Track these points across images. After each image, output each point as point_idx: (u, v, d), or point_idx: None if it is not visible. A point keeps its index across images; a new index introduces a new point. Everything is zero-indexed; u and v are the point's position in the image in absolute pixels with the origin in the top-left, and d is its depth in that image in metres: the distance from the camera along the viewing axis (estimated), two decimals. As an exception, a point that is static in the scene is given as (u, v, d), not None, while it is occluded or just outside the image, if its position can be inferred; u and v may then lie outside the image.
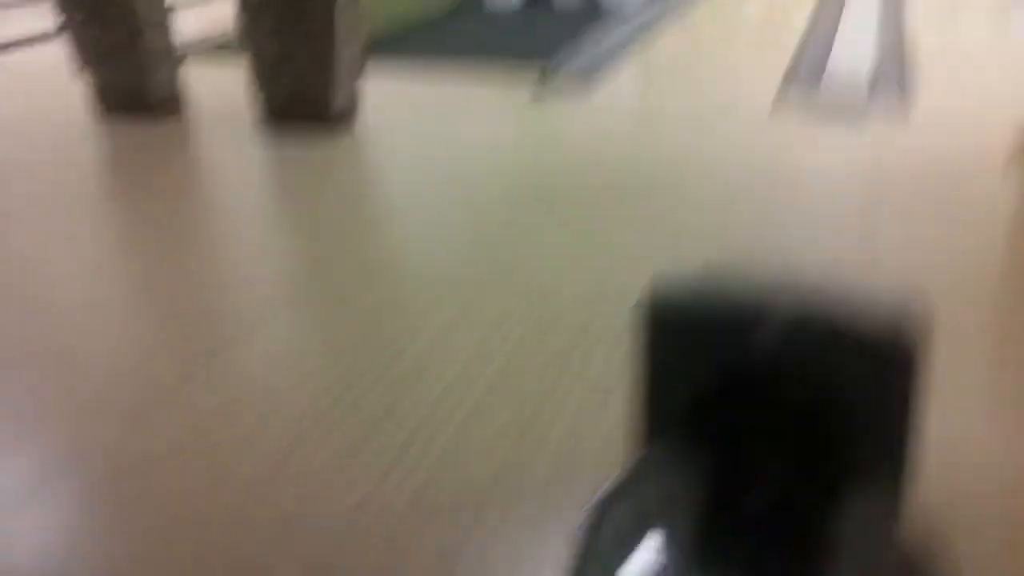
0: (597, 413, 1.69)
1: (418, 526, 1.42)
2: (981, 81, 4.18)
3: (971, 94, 3.92)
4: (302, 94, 3.47)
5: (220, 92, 3.90)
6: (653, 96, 4.39)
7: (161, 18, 3.64)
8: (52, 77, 4.07)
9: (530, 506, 1.47)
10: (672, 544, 0.74)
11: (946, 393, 1.10)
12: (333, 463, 1.59)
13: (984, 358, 1.96)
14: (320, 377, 1.88)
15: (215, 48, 4.66)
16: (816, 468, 0.90)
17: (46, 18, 4.10)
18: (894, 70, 4.24)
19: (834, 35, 4.86)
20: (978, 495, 1.45)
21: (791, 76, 4.28)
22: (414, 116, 3.85)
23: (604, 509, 0.80)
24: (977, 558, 1.20)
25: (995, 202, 2.86)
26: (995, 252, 2.61)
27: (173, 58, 3.71)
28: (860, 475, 0.87)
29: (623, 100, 4.27)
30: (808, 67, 4.39)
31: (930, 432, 0.93)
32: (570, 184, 3.10)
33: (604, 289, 2.22)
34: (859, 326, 0.90)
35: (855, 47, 4.56)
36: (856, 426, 0.86)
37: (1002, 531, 1.38)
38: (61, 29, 3.62)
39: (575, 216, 2.81)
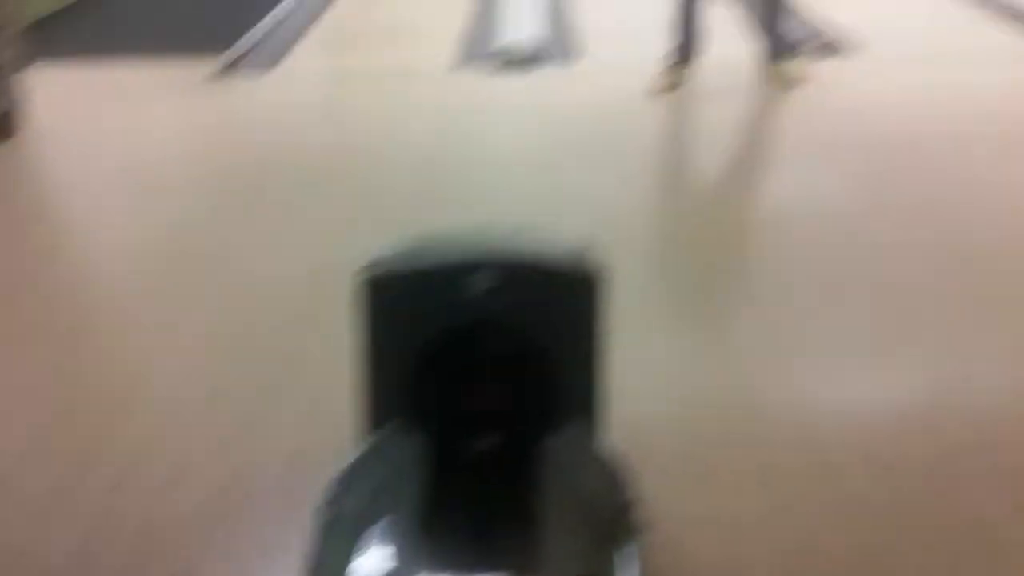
0: (326, 397, 1.66)
1: (148, 549, 1.40)
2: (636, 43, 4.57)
3: (625, 52, 4.26)
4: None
5: None
6: (335, 65, 4.43)
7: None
8: None
9: (269, 502, 1.48)
10: (402, 516, 0.85)
11: (627, 324, 1.26)
12: (50, 498, 1.51)
13: (650, 286, 2.23)
14: (34, 407, 1.79)
15: None
16: (526, 404, 1.05)
17: None
18: (559, 28, 4.55)
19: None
20: (657, 414, 1.68)
21: (468, 37, 4.48)
22: (88, 108, 3.61)
23: (337, 491, 0.89)
24: (657, 467, 1.38)
25: (644, 129, 3.27)
26: (651, 183, 2.97)
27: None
28: (562, 405, 1.03)
29: (307, 72, 4.25)
30: (482, 29, 4.61)
31: (617, 358, 1.09)
32: (263, 163, 3.07)
33: (315, 269, 2.23)
34: (549, 271, 1.06)
35: (525, 9, 4.82)
36: (555, 360, 1.02)
37: (678, 443, 1.61)
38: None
39: (275, 197, 2.80)
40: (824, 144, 3.12)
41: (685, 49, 3.54)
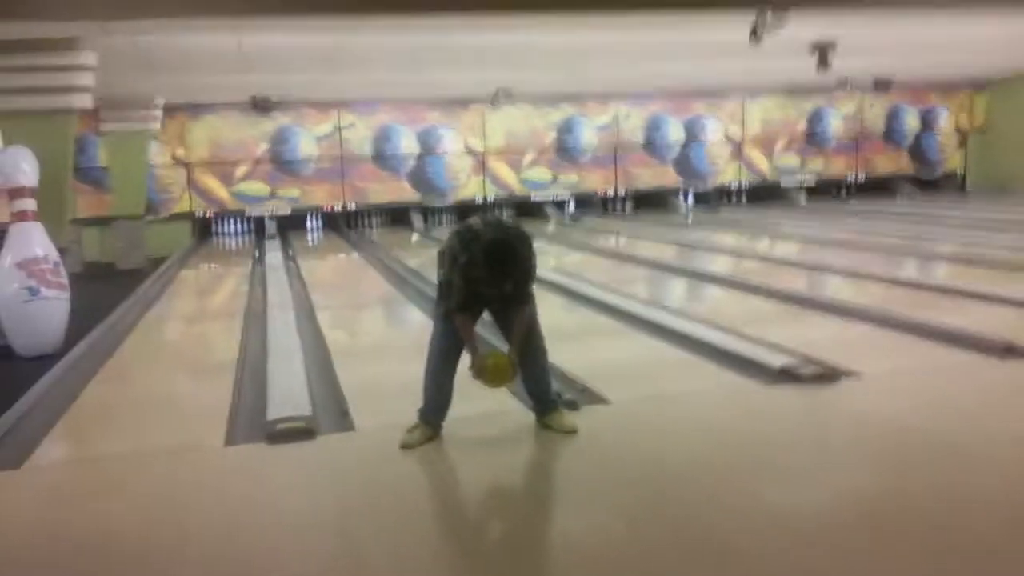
0: None
1: None
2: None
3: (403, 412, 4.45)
4: None
5: None
6: (99, 447, 4.18)
7: None
8: None
9: None
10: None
11: None
12: None
13: None
14: None
15: None
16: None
17: None
18: (328, 392, 4.68)
19: (265, 365, 5.22)
20: None
21: (236, 408, 4.47)
22: None
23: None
24: None
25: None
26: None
27: None
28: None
29: (63, 461, 4.00)
30: (251, 397, 4.63)
31: None
32: (24, 565, 2.78)
33: None
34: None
35: (287, 374, 4.94)
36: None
37: None
38: None
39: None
40: (593, 485, 3.34)
41: (434, 406, 3.81)
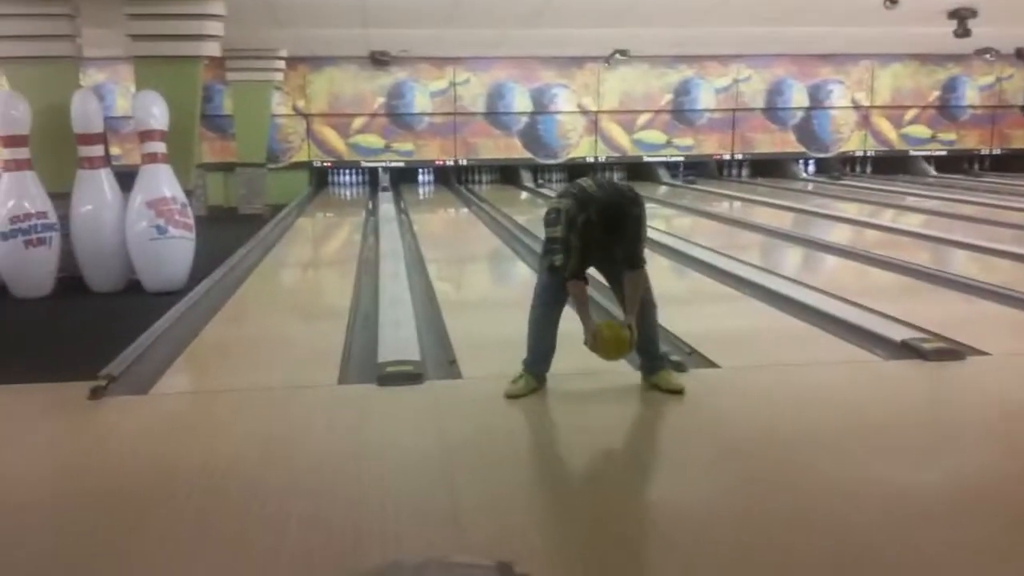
0: None
1: None
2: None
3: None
4: None
5: None
6: (218, 381, 4.37)
7: None
8: None
9: None
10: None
11: None
12: None
13: None
14: None
15: None
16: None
17: None
18: (436, 341, 4.75)
19: (377, 312, 5.32)
20: None
21: (349, 351, 4.59)
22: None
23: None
24: None
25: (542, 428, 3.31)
26: (553, 486, 2.98)
27: None
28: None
29: (183, 394, 4.19)
30: (362, 341, 4.74)
31: None
32: (140, 488, 2.94)
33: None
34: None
35: (398, 321, 5.03)
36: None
37: None
38: None
39: (153, 526, 2.66)
40: (700, 450, 3.29)
41: (537, 356, 3.81)
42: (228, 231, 9.34)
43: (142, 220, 6.09)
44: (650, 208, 3.89)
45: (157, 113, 6.28)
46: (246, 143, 12.59)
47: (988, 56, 14.37)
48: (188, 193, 6.54)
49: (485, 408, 3.69)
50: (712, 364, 4.24)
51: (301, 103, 14.39)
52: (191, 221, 6.34)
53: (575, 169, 14.61)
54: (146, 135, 6.26)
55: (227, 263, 7.03)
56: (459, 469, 3.07)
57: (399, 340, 4.59)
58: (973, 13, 10.23)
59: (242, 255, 7.61)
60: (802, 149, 15.86)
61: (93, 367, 4.03)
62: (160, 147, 6.25)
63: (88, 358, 4.18)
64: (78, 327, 5.36)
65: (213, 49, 7.34)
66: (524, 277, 6.60)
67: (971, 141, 16.29)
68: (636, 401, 3.79)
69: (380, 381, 3.96)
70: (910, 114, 15.99)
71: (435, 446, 3.29)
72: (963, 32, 10.48)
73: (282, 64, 12.62)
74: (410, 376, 3.98)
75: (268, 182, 12.75)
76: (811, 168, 16.14)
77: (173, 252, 6.20)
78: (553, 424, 3.68)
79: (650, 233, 3.96)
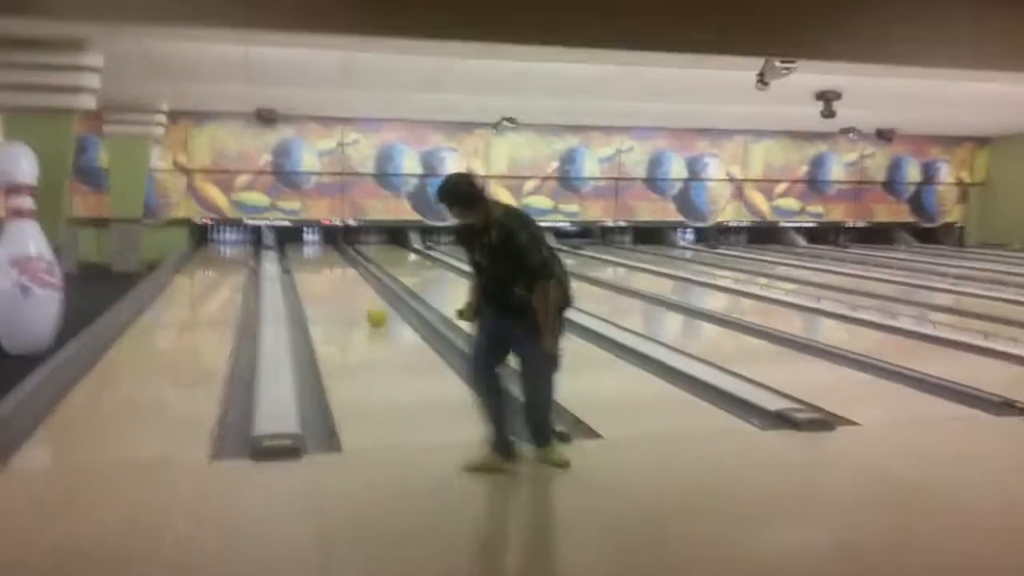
0: None
1: None
2: (396, 426, 4.76)
3: (390, 436, 4.41)
4: None
5: None
6: (81, 454, 4.10)
7: None
8: None
9: None
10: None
11: None
12: None
13: None
14: None
15: None
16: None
17: None
18: (317, 410, 4.61)
19: (254, 378, 5.14)
20: None
21: (223, 419, 4.40)
22: None
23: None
24: None
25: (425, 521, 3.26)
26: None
27: None
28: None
29: (42, 470, 3.92)
30: (238, 409, 4.56)
31: None
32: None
33: None
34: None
35: (276, 389, 4.87)
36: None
37: None
38: None
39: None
40: (585, 526, 3.28)
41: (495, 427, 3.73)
42: (99, 289, 8.92)
43: (5, 279, 5.75)
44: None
45: (25, 167, 5.99)
46: (121, 198, 12.13)
47: (851, 135, 15.33)
48: (57, 249, 6.24)
49: (366, 484, 3.58)
50: (595, 434, 4.26)
51: (182, 158, 14.03)
52: (58, 280, 6.03)
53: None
54: (13, 189, 5.95)
55: (97, 323, 6.70)
56: (337, 553, 2.96)
57: (277, 409, 4.43)
58: (838, 95, 10.93)
59: (113, 315, 7.27)
60: (681, 218, 16.45)
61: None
62: (27, 202, 5.95)
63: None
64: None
65: (88, 102, 7.10)
66: (411, 341, 6.53)
67: (838, 214, 17.24)
68: (525, 476, 3.74)
69: (255, 456, 3.80)
70: (781, 187, 16.82)
71: (312, 528, 3.16)
72: (829, 113, 11.18)
73: (163, 118, 12.29)
74: (287, 450, 3.84)
75: (144, 238, 12.29)
76: (689, 236, 16.73)
77: (37, 312, 5.86)
78: (437, 502, 3.59)
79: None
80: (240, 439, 4.05)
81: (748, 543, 3.11)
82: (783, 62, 7.96)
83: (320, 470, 3.75)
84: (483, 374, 3.76)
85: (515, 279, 3.66)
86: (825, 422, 4.43)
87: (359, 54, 8.52)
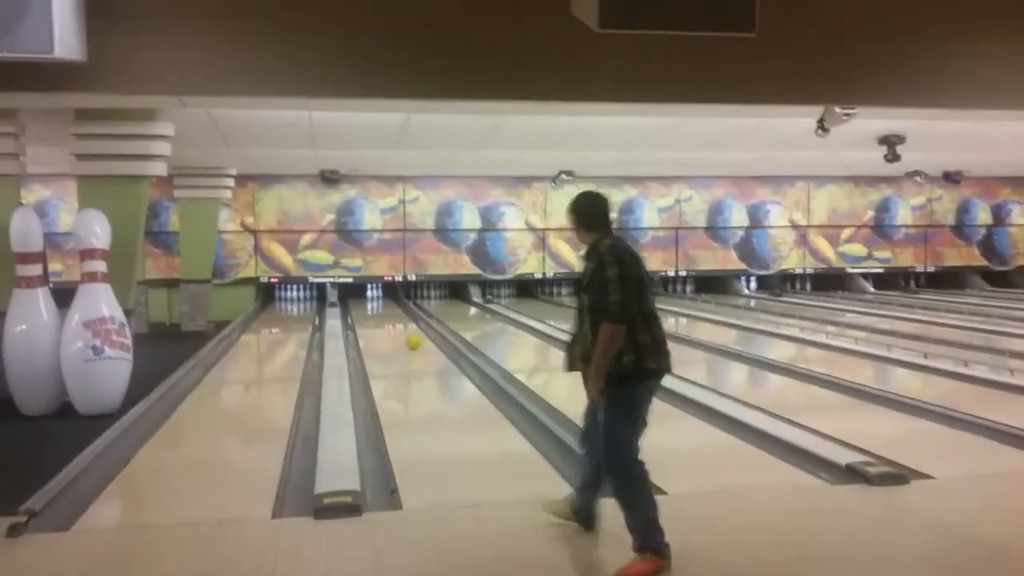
0: None
1: None
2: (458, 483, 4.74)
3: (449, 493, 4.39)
4: None
5: None
6: (147, 514, 4.17)
7: None
8: None
9: None
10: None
11: None
12: None
13: None
14: None
15: None
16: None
17: None
18: (378, 466, 4.62)
19: (317, 435, 5.19)
20: None
21: (286, 478, 4.44)
22: None
23: None
24: None
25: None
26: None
27: None
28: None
29: (107, 531, 3.99)
30: (301, 467, 4.60)
31: None
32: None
33: None
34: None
35: (338, 446, 4.90)
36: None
37: None
38: None
39: None
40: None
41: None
42: (169, 349, 9.15)
43: (78, 340, 5.94)
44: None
45: (99, 232, 6.22)
46: (191, 259, 12.50)
47: (918, 179, 15.03)
48: (128, 312, 6.43)
49: (425, 542, 3.56)
50: (659, 490, 4.17)
51: (249, 219, 14.40)
52: (128, 341, 6.20)
53: (522, 285, 14.73)
54: (87, 254, 6.17)
55: (165, 383, 6.86)
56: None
57: (338, 466, 4.46)
58: (901, 139, 10.74)
59: (181, 374, 7.44)
60: (743, 266, 16.25)
61: (14, 500, 3.83)
62: (101, 266, 6.16)
63: (10, 490, 3.98)
64: (2, 454, 5.12)
65: (160, 169, 7.36)
66: (472, 396, 6.53)
67: (906, 259, 16.85)
68: (587, 536, 3.67)
69: (316, 514, 3.82)
70: (846, 233, 16.53)
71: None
72: (893, 157, 10.98)
73: (231, 182, 12.68)
74: (348, 508, 3.84)
75: (213, 298, 12.60)
76: (752, 285, 16.50)
77: (108, 373, 6.03)
78: (496, 560, 3.55)
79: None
80: (303, 496, 4.08)
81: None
82: (843, 108, 7.87)
83: (379, 528, 3.74)
84: (584, 430, 3.65)
85: (592, 315, 3.34)
86: (898, 476, 4.28)
87: (417, 115, 8.68)
